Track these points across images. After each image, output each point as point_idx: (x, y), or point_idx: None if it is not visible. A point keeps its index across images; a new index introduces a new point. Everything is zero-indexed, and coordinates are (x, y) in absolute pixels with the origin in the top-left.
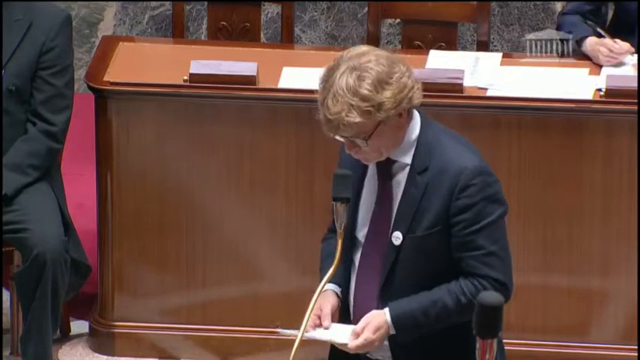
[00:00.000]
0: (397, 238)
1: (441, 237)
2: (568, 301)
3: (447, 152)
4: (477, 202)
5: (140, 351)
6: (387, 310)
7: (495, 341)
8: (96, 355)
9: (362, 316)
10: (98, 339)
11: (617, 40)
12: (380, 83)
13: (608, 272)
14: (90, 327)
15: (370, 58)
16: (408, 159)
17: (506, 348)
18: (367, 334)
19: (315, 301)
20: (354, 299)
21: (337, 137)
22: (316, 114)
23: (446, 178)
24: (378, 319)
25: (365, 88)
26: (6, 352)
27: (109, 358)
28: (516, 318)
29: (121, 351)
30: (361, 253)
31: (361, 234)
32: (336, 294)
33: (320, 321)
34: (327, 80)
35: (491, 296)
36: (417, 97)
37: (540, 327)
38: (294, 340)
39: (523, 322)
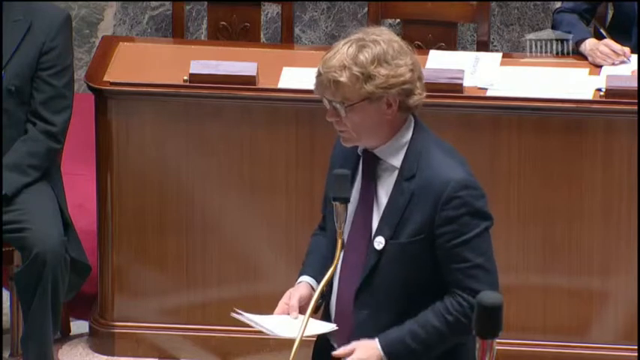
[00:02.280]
0: (379, 242)
1: (424, 246)
2: (568, 301)
3: (435, 162)
4: (460, 215)
5: (140, 351)
6: (376, 340)
7: (495, 341)
8: (96, 355)
9: (340, 314)
10: (98, 339)
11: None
12: (379, 59)
13: (608, 272)
14: (90, 327)
15: (384, 38)
16: (396, 162)
17: (506, 348)
18: None
19: (315, 302)
20: (336, 298)
21: (324, 101)
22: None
23: (431, 189)
24: (368, 349)
25: (363, 56)
26: (6, 354)
27: (109, 358)
28: (516, 318)
29: (121, 351)
30: (344, 252)
31: (346, 233)
32: (311, 286)
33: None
34: (340, 43)
35: (491, 296)
36: (415, 99)
37: (540, 327)
38: (293, 341)
39: (523, 322)
